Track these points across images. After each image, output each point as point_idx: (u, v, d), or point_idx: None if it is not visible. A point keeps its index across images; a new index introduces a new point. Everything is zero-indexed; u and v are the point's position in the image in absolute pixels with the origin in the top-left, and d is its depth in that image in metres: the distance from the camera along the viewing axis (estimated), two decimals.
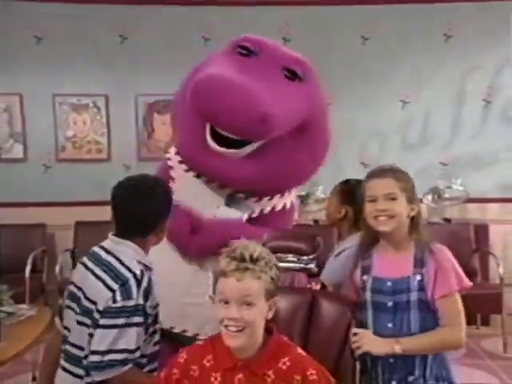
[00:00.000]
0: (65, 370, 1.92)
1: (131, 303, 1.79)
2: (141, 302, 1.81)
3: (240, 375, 1.60)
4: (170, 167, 2.71)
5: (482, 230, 4.90)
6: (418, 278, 1.89)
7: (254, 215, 2.61)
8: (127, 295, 1.80)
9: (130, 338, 1.78)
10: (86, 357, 1.83)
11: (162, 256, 2.37)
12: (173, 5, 4.89)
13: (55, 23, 4.91)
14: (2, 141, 5.02)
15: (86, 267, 1.94)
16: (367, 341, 1.85)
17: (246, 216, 2.56)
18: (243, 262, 1.58)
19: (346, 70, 4.97)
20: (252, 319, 1.57)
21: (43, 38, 4.95)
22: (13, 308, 3.49)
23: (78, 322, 1.89)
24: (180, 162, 2.68)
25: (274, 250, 2.11)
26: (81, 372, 1.86)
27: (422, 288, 1.89)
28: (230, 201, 2.58)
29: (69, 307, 1.96)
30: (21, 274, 4.45)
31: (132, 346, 1.78)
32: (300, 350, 1.69)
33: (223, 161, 2.46)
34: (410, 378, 1.90)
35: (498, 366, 4.06)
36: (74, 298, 1.93)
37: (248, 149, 2.42)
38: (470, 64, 4.99)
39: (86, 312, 1.85)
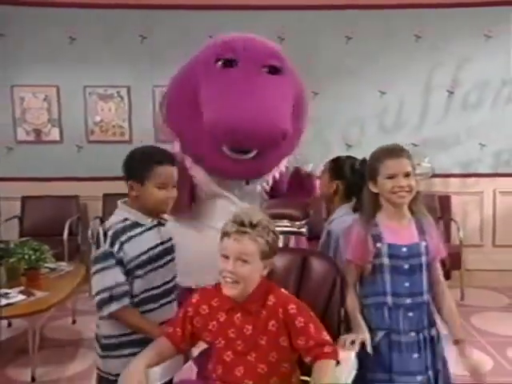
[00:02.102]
0: None
1: (100, 251, 1.80)
2: (108, 248, 1.79)
3: (238, 314, 1.66)
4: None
5: (445, 201, 4.92)
6: (424, 243, 1.90)
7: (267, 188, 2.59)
8: (97, 246, 1.83)
9: (108, 278, 1.78)
10: None
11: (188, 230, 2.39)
12: (184, 9, 4.85)
13: (86, 26, 4.88)
14: (42, 126, 5.00)
15: None
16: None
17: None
18: (242, 226, 1.61)
19: (331, 65, 4.94)
20: (245, 274, 1.61)
21: (76, 38, 4.91)
22: (54, 264, 3.55)
23: None
24: (203, 169, 2.53)
25: (272, 217, 2.14)
26: None
27: (427, 252, 1.90)
28: (246, 182, 2.54)
29: None
30: (60, 237, 4.49)
31: (111, 283, 1.78)
32: (283, 290, 1.73)
33: (235, 163, 2.38)
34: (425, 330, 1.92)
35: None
36: None
37: (254, 152, 2.37)
38: (436, 60, 4.96)
39: None
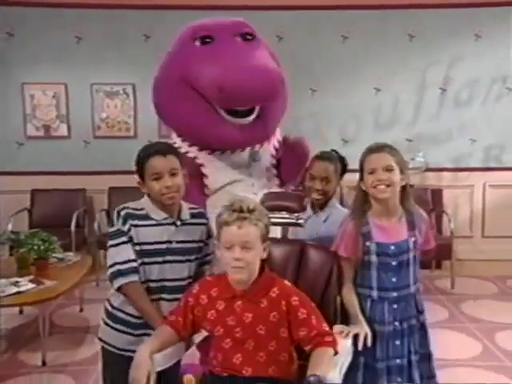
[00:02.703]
0: None
1: (114, 228, 1.82)
2: (121, 226, 1.80)
3: (239, 302, 1.64)
4: (186, 152, 2.51)
5: (437, 194, 4.92)
6: (413, 239, 1.88)
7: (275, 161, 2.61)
8: (112, 224, 1.87)
9: (120, 253, 1.79)
10: None
11: None
12: (186, 9, 4.82)
13: (93, 26, 4.86)
14: (51, 122, 4.99)
15: None
16: None
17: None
18: (242, 212, 1.60)
19: (329, 63, 4.92)
20: (251, 260, 1.61)
21: (83, 38, 4.89)
22: (62, 255, 3.55)
23: None
24: (190, 145, 2.55)
25: (270, 208, 2.13)
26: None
27: (415, 247, 1.89)
28: (252, 159, 2.56)
29: None
30: (67, 228, 4.49)
31: (119, 260, 1.78)
32: (287, 282, 1.71)
33: (237, 129, 2.42)
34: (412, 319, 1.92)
35: (446, 300, 4.19)
36: None
37: (254, 114, 2.41)
38: (430, 59, 4.95)
39: None
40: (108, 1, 4.79)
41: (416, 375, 1.89)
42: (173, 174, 1.80)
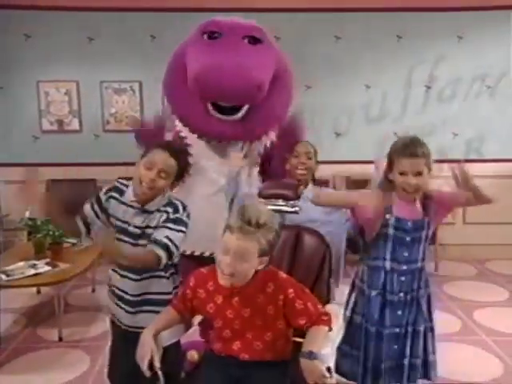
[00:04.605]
0: None
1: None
2: (101, 194, 1.84)
3: (236, 298, 1.59)
4: (184, 137, 2.50)
5: None
6: (427, 219, 1.90)
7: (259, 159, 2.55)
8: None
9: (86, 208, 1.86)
10: None
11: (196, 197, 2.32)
12: (190, 12, 4.79)
13: (103, 27, 4.84)
14: (64, 117, 4.98)
15: None
16: None
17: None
18: (249, 224, 1.46)
19: (322, 62, 4.91)
20: (242, 271, 1.51)
21: (94, 38, 4.86)
22: (75, 240, 3.54)
23: None
24: (190, 131, 2.48)
25: (267, 197, 2.14)
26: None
27: (429, 227, 1.91)
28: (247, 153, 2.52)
29: None
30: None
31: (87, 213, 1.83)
32: (282, 275, 1.63)
33: (226, 126, 2.36)
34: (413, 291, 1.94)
35: (430, 281, 4.18)
36: None
37: (242, 112, 2.35)
38: (416, 59, 4.93)
39: None
40: (118, 4, 4.76)
41: (407, 347, 1.91)
42: (161, 175, 1.74)
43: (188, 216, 1.79)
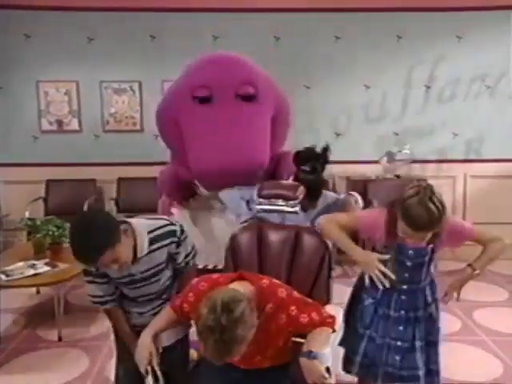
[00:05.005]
0: None
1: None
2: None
3: None
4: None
5: None
6: (431, 246, 1.85)
7: None
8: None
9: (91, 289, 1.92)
10: None
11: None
12: (190, 12, 4.79)
13: (103, 27, 4.83)
14: (64, 117, 4.97)
15: None
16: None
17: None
18: (212, 332, 1.33)
19: (322, 62, 4.90)
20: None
21: (94, 38, 4.86)
22: None
23: None
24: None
25: (267, 197, 2.14)
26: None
27: (432, 252, 1.87)
28: None
29: None
30: None
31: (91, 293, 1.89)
32: (280, 293, 1.56)
33: None
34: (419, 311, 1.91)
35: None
36: None
37: None
38: (415, 59, 4.93)
39: None
40: (117, 4, 4.75)
41: (419, 360, 1.87)
42: (115, 262, 1.64)
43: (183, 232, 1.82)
